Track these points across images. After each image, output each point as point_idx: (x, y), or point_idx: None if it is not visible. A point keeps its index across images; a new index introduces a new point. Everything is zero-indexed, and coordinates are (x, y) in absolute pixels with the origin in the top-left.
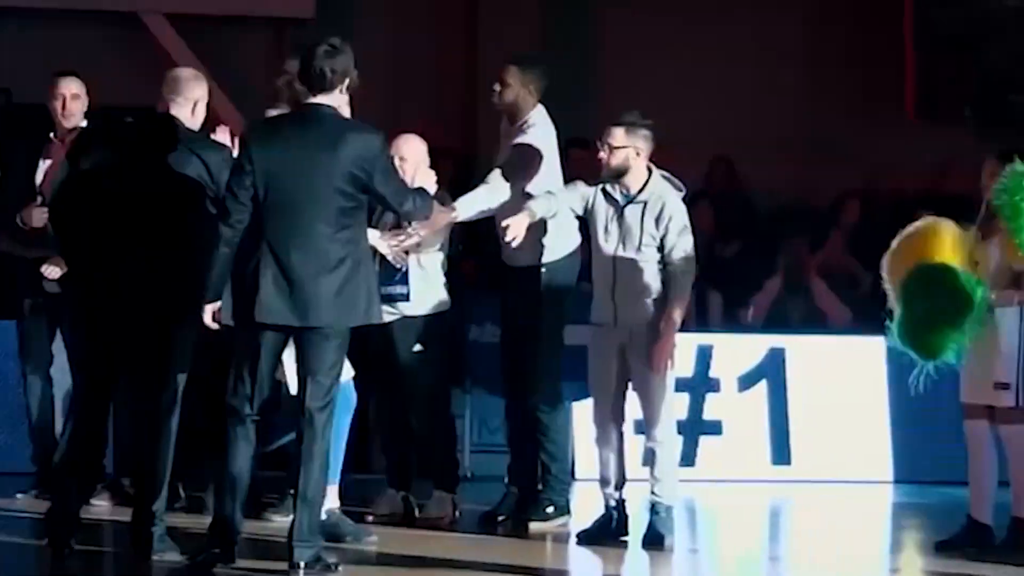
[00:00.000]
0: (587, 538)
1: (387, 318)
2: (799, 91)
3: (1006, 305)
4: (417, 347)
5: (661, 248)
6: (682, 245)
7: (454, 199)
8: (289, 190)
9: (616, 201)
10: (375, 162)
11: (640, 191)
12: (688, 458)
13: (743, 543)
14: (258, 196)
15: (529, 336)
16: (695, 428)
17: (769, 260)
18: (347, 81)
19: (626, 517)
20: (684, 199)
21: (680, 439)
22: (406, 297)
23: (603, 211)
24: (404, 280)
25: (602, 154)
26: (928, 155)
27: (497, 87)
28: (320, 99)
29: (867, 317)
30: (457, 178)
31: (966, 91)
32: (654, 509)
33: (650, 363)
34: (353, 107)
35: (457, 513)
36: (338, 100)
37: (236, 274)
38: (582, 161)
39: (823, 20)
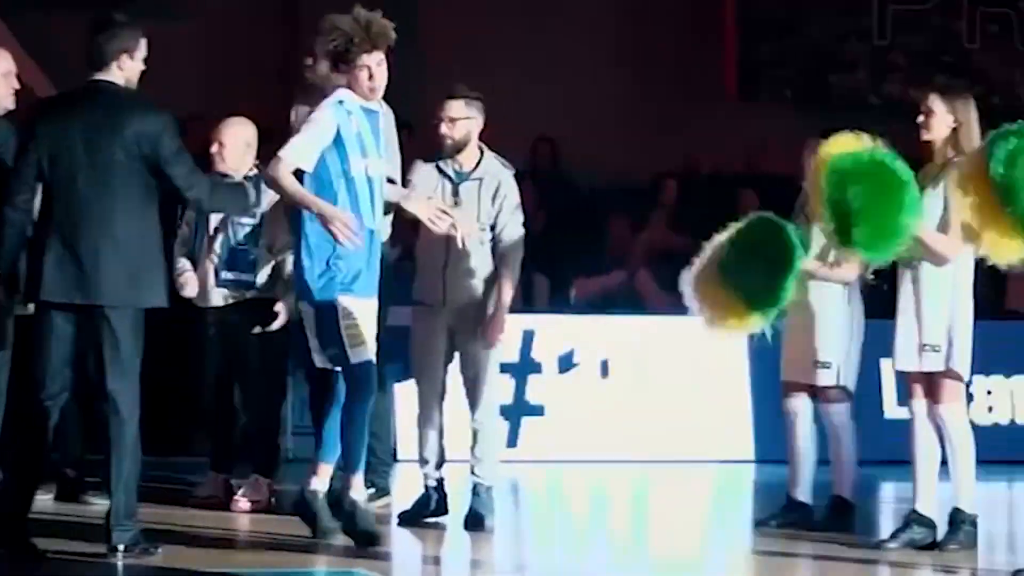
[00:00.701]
0: (408, 519)
1: (229, 301)
2: (620, 71)
3: (830, 280)
4: (256, 329)
5: (494, 227)
6: (515, 223)
7: None
8: (72, 168)
9: (451, 178)
10: (158, 141)
11: (475, 168)
12: (511, 439)
13: (564, 523)
14: (44, 174)
15: None
16: (518, 409)
17: (593, 240)
18: (124, 58)
19: (445, 497)
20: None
21: (504, 422)
22: (252, 283)
23: (439, 188)
24: (251, 267)
25: (444, 128)
26: (748, 135)
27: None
28: (101, 75)
29: None
30: None
31: (786, 72)
32: (475, 490)
33: (486, 340)
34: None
35: (272, 499)
36: (119, 75)
37: (28, 253)
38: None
39: (644, 1)
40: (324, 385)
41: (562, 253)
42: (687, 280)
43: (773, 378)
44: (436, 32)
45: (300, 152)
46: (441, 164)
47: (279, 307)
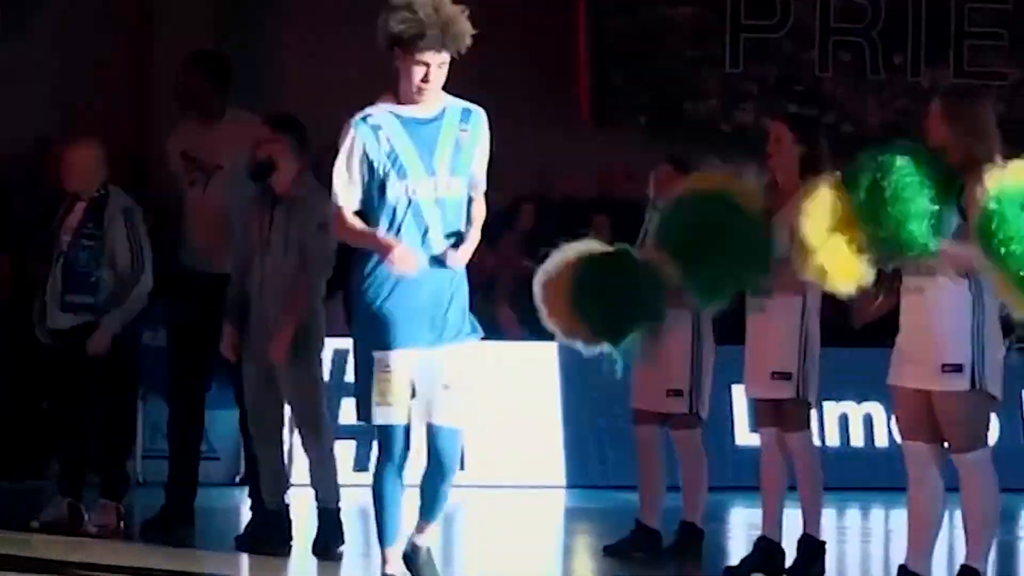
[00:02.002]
0: (248, 543)
1: (73, 324)
2: (474, 96)
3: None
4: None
5: (303, 248)
6: (318, 240)
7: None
8: None
9: (265, 200)
10: None
11: (288, 190)
12: (362, 463)
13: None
14: None
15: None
16: (368, 433)
17: None
18: None
19: (290, 522)
20: None
21: (352, 444)
22: (94, 306)
23: (253, 210)
24: (93, 289)
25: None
26: (601, 160)
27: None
28: None
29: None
30: (133, 180)
31: (639, 98)
32: (321, 515)
33: (273, 353)
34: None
35: (121, 523)
36: None
37: None
38: None
39: (497, 25)
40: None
41: None
42: (538, 289)
43: (584, 402)
44: (290, 59)
45: (345, 193)
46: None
47: (99, 331)
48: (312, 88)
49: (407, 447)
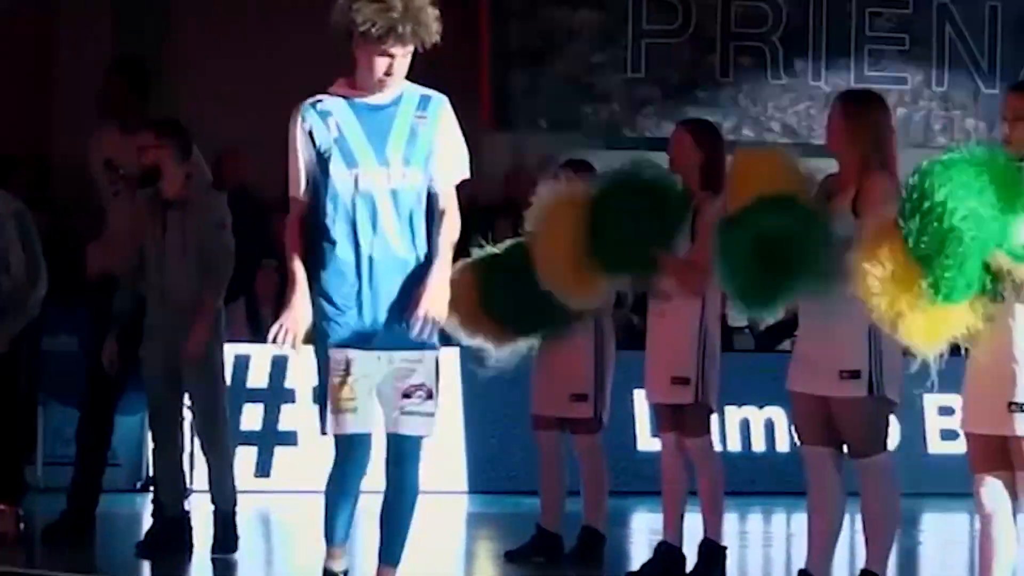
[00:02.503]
0: (148, 549)
1: None
2: None
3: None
4: None
5: (200, 249)
6: (218, 241)
7: (32, 207)
8: None
9: (158, 205)
10: None
11: (180, 194)
12: (263, 468)
13: (318, 553)
14: None
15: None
16: (269, 439)
17: None
18: None
19: (191, 529)
20: (256, 210)
21: (254, 450)
22: None
23: (145, 215)
24: None
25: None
26: (504, 163)
27: None
28: None
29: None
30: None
31: (541, 101)
32: (222, 519)
33: (189, 351)
34: None
35: (22, 526)
36: None
37: None
38: None
39: None
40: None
41: None
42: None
43: (485, 408)
44: (183, 66)
45: (293, 183)
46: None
47: None
48: (210, 90)
49: (366, 460)
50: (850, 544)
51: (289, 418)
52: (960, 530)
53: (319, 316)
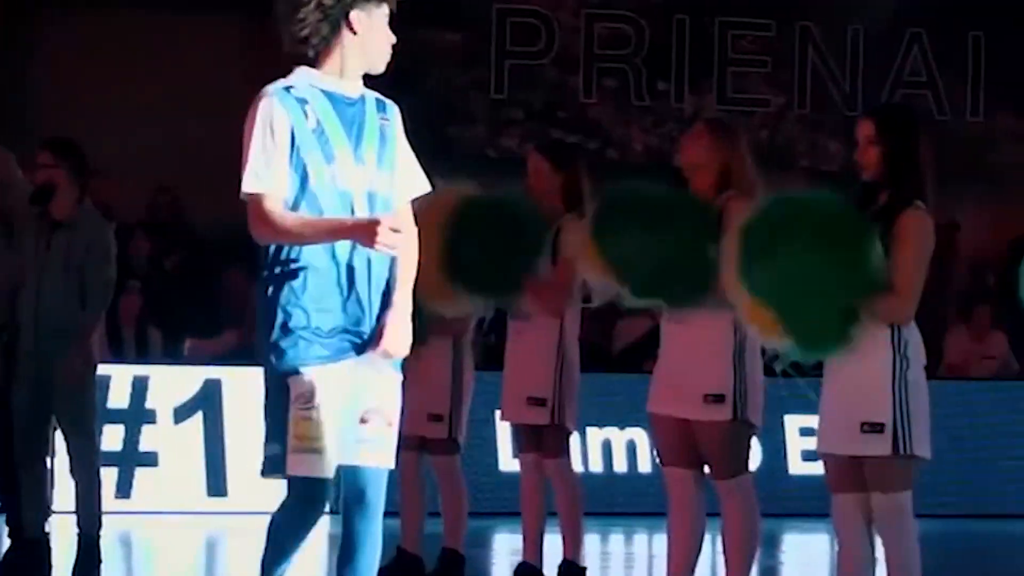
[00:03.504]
0: (7, 571)
1: None
2: (238, 118)
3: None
4: None
5: (82, 274)
6: (100, 270)
7: None
8: None
9: (44, 225)
10: None
11: (69, 216)
12: (124, 489)
13: (179, 574)
14: None
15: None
16: (130, 459)
17: (210, 291)
18: None
19: (50, 551)
20: (118, 230)
21: (115, 470)
22: None
23: (30, 234)
24: None
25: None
26: None
27: None
28: None
29: None
30: None
31: (406, 122)
32: (85, 543)
33: (60, 377)
34: None
35: None
36: None
37: None
38: None
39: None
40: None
41: (178, 306)
42: None
43: None
44: (57, 76)
45: (269, 178)
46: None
47: None
48: (69, 110)
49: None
50: (711, 565)
51: (150, 438)
52: (820, 550)
53: (278, 333)
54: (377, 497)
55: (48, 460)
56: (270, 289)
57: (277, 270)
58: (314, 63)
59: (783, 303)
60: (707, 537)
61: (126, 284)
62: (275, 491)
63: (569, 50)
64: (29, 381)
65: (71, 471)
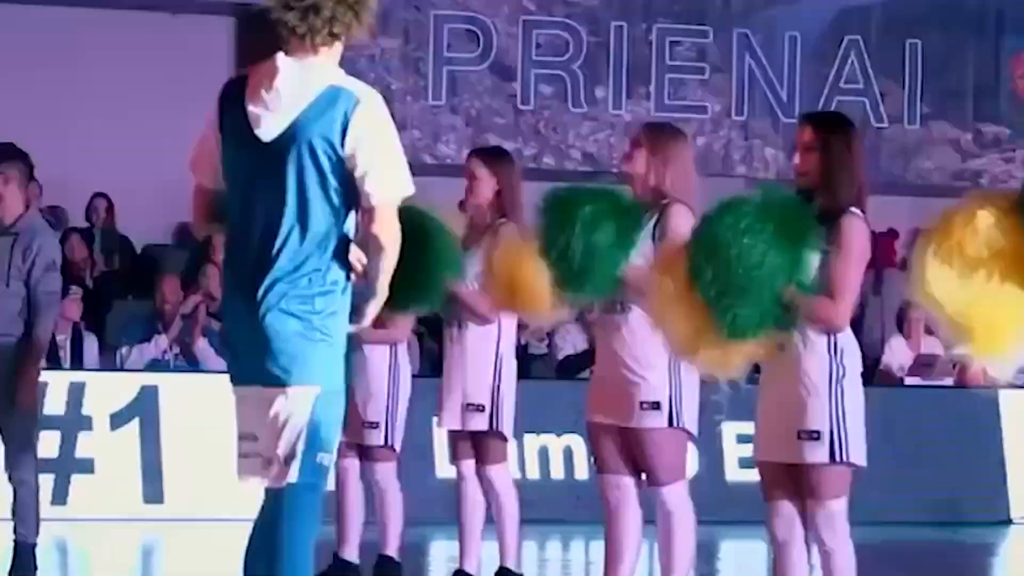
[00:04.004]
0: None
1: None
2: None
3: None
4: None
5: (27, 283)
6: (48, 281)
7: None
8: None
9: None
10: None
11: (13, 223)
12: (60, 496)
13: None
14: None
15: None
16: (66, 466)
17: (144, 298)
18: None
19: None
20: (60, 238)
21: (51, 477)
22: None
23: None
24: None
25: None
26: None
27: None
28: None
29: None
30: None
31: None
32: (21, 550)
33: (17, 398)
34: None
35: None
36: None
37: None
38: None
39: (204, 61)
40: None
41: (113, 312)
42: None
43: None
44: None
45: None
46: None
47: None
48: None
49: None
50: (648, 572)
51: (86, 445)
52: (758, 558)
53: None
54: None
55: None
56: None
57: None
58: (308, 51)
59: (723, 288)
60: (644, 544)
61: (67, 290)
62: (214, 498)
63: (506, 56)
64: None
65: (10, 478)
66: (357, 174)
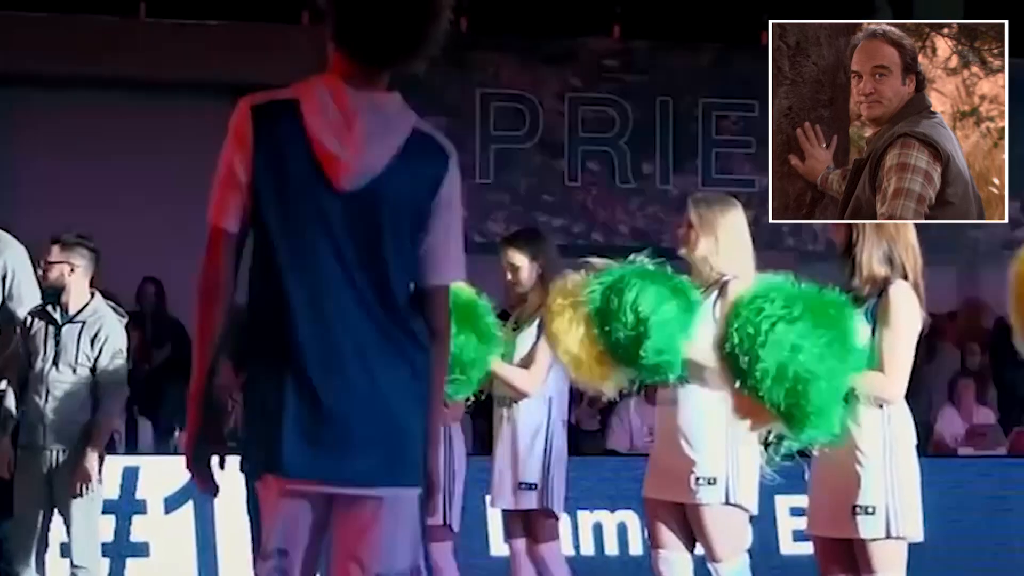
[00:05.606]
0: None
1: None
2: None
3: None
4: None
5: (94, 370)
6: (114, 368)
7: None
8: None
9: (55, 320)
10: None
11: (80, 311)
12: None
13: None
14: None
15: None
16: (121, 550)
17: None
18: None
19: None
20: (125, 325)
21: (106, 561)
22: None
23: (40, 330)
24: None
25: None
26: None
27: None
28: None
29: None
30: None
31: None
32: None
33: (73, 483)
34: None
35: None
36: None
37: None
38: None
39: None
40: None
41: (167, 396)
42: None
43: None
44: (43, 170)
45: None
46: (48, 307)
47: None
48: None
49: None
50: None
51: (141, 529)
52: None
53: None
54: None
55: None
56: None
57: None
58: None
59: (779, 390)
60: None
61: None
62: None
63: (553, 133)
64: (36, 474)
65: (72, 565)
66: (424, 246)
